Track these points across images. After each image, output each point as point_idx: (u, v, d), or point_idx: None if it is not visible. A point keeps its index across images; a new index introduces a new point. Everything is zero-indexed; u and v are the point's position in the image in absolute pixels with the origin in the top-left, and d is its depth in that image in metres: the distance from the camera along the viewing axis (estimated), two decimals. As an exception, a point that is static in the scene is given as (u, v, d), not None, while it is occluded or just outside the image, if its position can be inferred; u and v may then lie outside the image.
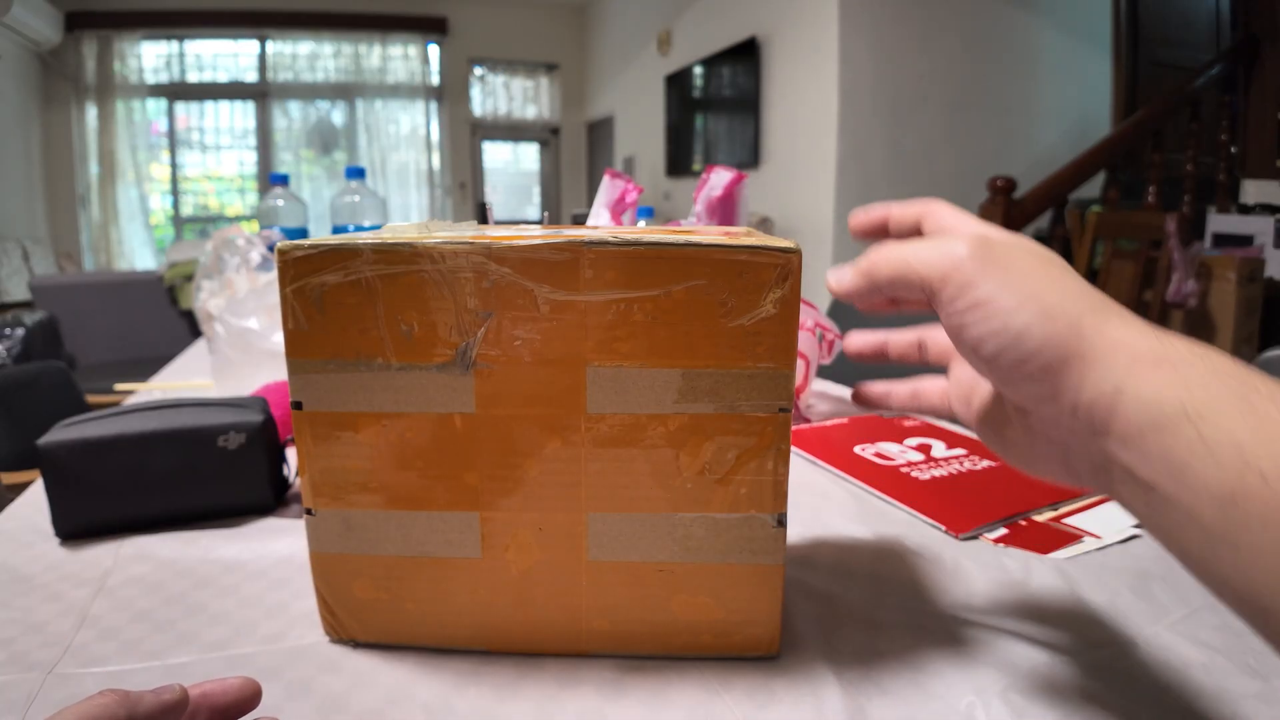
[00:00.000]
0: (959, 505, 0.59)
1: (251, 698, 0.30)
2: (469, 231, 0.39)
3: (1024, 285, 0.27)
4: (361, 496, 0.39)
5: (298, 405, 0.38)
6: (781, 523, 0.37)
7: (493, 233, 0.38)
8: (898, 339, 0.39)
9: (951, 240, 0.28)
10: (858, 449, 0.73)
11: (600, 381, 0.36)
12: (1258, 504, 0.21)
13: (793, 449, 0.74)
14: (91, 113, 4.72)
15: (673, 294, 0.35)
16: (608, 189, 0.91)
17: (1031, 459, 0.31)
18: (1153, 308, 2.18)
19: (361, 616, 0.40)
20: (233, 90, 5.13)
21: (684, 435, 0.36)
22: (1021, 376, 0.27)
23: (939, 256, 0.28)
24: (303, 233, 1.43)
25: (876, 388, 0.40)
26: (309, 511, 0.39)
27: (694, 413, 0.36)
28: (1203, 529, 0.23)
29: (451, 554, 0.39)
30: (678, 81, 4.24)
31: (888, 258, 0.30)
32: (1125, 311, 0.27)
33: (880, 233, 0.35)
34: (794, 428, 0.80)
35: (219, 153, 5.20)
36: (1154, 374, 0.24)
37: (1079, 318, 0.26)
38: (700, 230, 0.44)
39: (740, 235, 0.38)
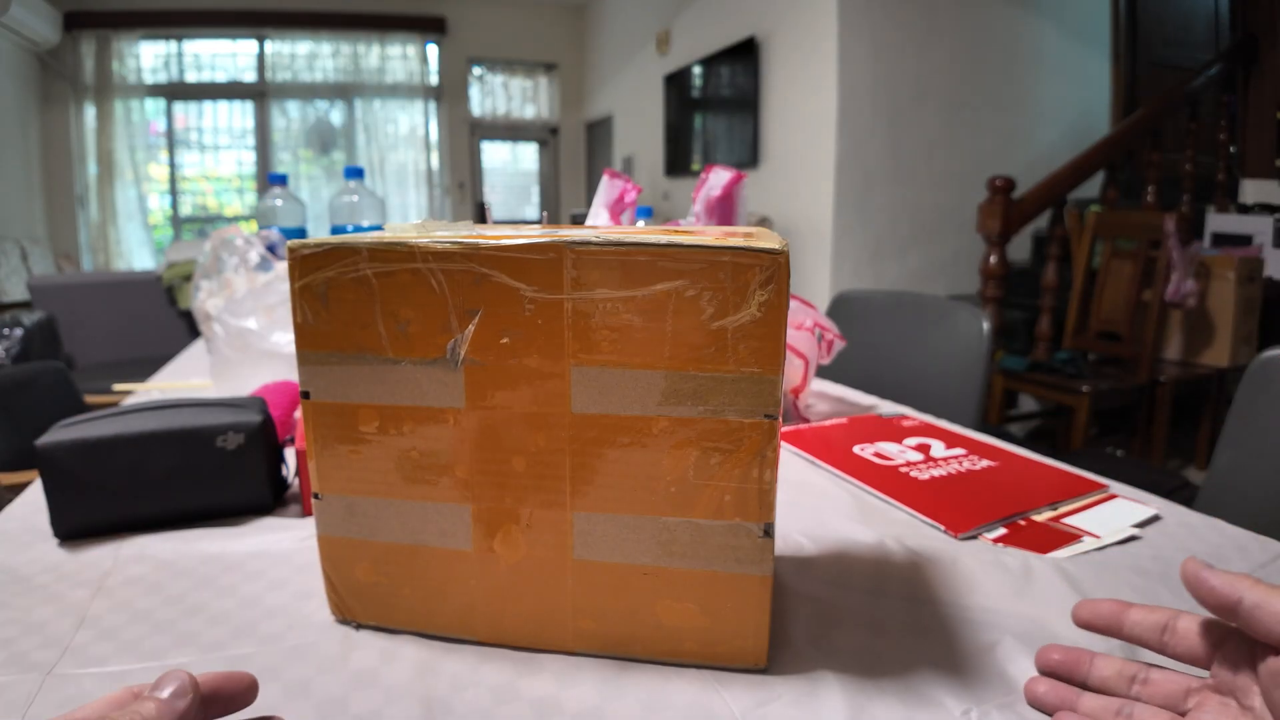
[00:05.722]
0: (958, 505, 0.59)
1: (248, 690, 0.30)
2: (462, 231, 0.39)
3: None
4: (362, 484, 0.40)
5: (305, 394, 0.39)
6: (769, 533, 0.37)
7: (483, 233, 0.39)
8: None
9: None
10: (857, 449, 0.73)
11: (584, 381, 0.36)
12: None
13: (792, 449, 0.74)
14: (90, 112, 4.71)
15: (655, 294, 0.35)
16: (606, 189, 0.91)
17: None
18: (1152, 308, 2.17)
19: (363, 599, 0.41)
20: (231, 90, 5.12)
21: (668, 438, 0.36)
22: None
23: None
24: (301, 233, 1.43)
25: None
26: (316, 496, 0.41)
27: (678, 416, 0.36)
28: None
29: (444, 544, 0.40)
30: (676, 81, 4.24)
31: (1261, 592, 0.29)
32: None
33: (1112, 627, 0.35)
34: (793, 428, 0.80)
35: (217, 153, 5.18)
36: None
37: None
38: (699, 230, 0.44)
39: (739, 235, 0.37)
